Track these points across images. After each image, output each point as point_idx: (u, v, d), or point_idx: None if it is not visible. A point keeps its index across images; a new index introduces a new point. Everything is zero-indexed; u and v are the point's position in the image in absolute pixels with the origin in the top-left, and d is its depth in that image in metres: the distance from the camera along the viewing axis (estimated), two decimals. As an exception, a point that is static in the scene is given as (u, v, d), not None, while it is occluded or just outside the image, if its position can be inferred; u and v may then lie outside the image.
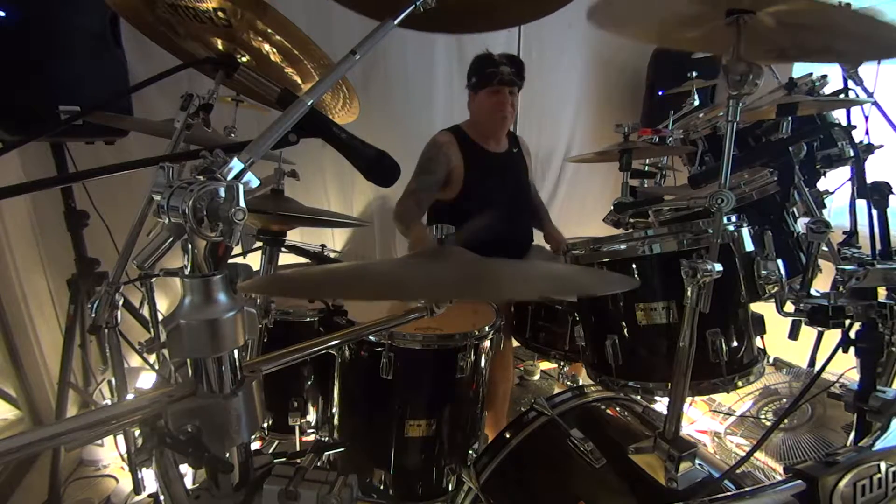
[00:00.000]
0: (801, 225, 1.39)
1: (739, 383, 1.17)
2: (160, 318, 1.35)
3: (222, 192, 0.50)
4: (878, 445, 0.83)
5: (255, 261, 1.41)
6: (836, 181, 1.77)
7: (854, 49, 1.00)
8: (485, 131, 2.06)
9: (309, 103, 0.62)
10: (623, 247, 1.21)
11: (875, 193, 1.15)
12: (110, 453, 1.95)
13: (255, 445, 1.67)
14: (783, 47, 1.03)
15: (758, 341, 1.25)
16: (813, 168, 1.72)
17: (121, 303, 1.10)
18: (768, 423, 1.91)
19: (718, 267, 0.89)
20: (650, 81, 3.19)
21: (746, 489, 0.86)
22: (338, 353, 1.42)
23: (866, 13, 0.87)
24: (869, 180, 1.18)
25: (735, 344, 1.17)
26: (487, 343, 1.41)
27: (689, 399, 1.64)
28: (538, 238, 2.31)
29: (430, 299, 0.91)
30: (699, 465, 0.97)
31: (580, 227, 2.82)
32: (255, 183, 0.55)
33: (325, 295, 1.25)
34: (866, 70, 1.35)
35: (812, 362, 2.15)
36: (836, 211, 2.08)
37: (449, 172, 2.00)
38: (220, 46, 1.06)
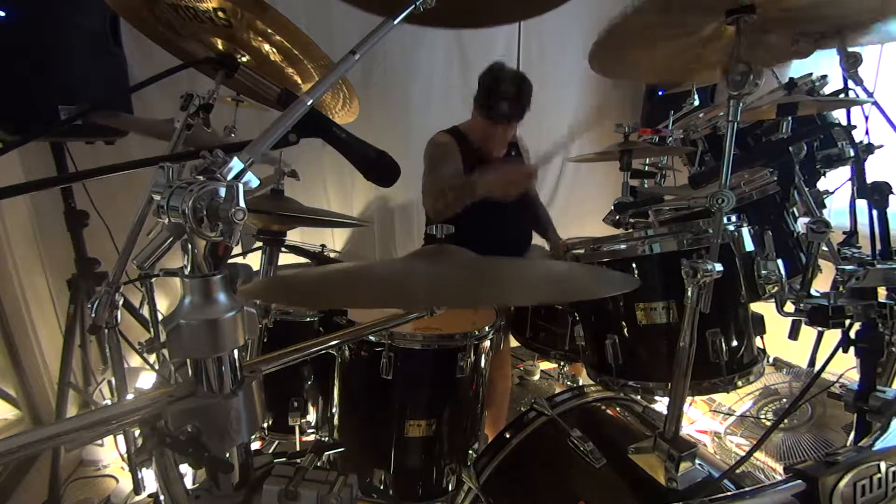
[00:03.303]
0: (801, 225, 1.39)
1: (739, 383, 1.17)
2: (160, 318, 1.35)
3: (222, 192, 0.50)
4: (878, 445, 0.83)
5: (255, 261, 1.41)
6: (836, 181, 1.77)
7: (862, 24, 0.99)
8: (481, 142, 2.05)
9: (309, 103, 0.62)
10: (623, 247, 1.21)
11: (875, 193, 1.15)
12: (110, 453, 1.96)
13: (255, 445, 1.67)
14: (793, 41, 1.03)
15: (758, 341, 1.25)
16: (813, 168, 1.72)
17: (121, 303, 1.10)
18: (768, 423, 1.91)
19: (718, 267, 0.89)
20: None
21: (746, 489, 0.86)
22: (338, 353, 1.42)
23: None
24: (869, 180, 1.18)
25: (735, 344, 1.17)
26: (487, 343, 1.41)
27: (689, 399, 1.64)
28: (538, 241, 2.30)
29: (432, 305, 0.91)
30: (699, 465, 0.97)
31: (580, 227, 2.81)
32: (255, 183, 0.55)
33: (324, 304, 1.24)
34: (866, 70, 1.35)
35: (812, 362, 2.15)
36: (836, 211, 2.08)
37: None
38: (220, 46, 1.06)
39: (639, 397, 1.33)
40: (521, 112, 1.93)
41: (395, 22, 0.72)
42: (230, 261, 0.56)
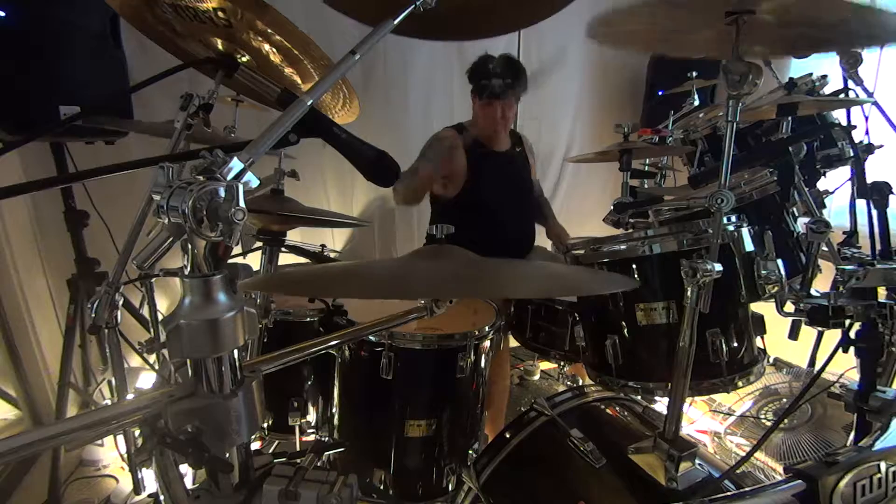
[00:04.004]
0: (801, 225, 1.39)
1: (739, 383, 1.17)
2: (160, 318, 1.35)
3: (222, 192, 0.50)
4: (878, 445, 0.83)
5: (255, 261, 1.41)
6: (836, 181, 1.77)
7: (857, 36, 0.99)
8: (485, 134, 2.07)
9: (309, 103, 0.62)
10: (623, 247, 1.21)
11: (875, 193, 1.15)
12: (110, 453, 1.95)
13: (255, 445, 1.67)
14: (785, 41, 1.02)
15: (758, 341, 1.25)
16: (813, 168, 1.72)
17: (121, 303, 1.10)
18: (768, 423, 1.91)
19: (718, 267, 0.89)
20: (650, 81, 3.18)
21: (746, 489, 0.86)
22: (338, 353, 1.42)
23: (863, 6, 0.87)
24: (869, 180, 1.18)
25: (735, 344, 1.17)
26: (487, 343, 1.41)
27: (689, 399, 1.64)
28: (540, 237, 2.30)
29: (430, 297, 0.91)
30: (699, 465, 0.97)
31: (580, 227, 2.81)
32: (255, 183, 0.55)
33: (325, 293, 1.25)
34: (866, 70, 1.35)
35: (812, 362, 2.15)
36: (836, 211, 2.08)
37: (451, 168, 2.00)
38: (220, 46, 1.06)
39: (639, 397, 1.33)
40: (513, 88, 1.94)
41: (395, 22, 0.72)
42: (230, 261, 0.56)
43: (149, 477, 1.56)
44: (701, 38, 1.08)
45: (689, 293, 0.90)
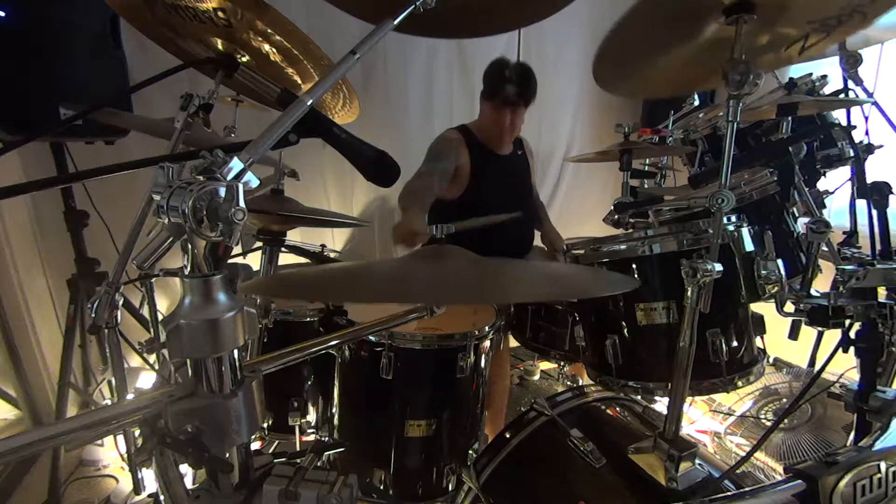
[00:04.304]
0: (801, 225, 1.39)
1: (739, 383, 1.17)
2: (160, 318, 1.35)
3: (222, 192, 0.50)
4: (878, 445, 0.83)
5: (255, 261, 1.41)
6: (836, 181, 1.77)
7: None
8: (490, 137, 2.07)
9: (309, 103, 0.62)
10: (623, 247, 1.21)
11: (875, 193, 1.15)
12: (110, 453, 1.95)
13: (255, 445, 1.67)
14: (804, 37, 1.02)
15: (758, 341, 1.25)
16: (813, 168, 1.72)
17: (121, 303, 1.10)
18: (768, 423, 1.91)
19: (718, 267, 0.89)
20: (650, 81, 3.18)
21: (746, 489, 0.86)
22: (338, 353, 1.42)
23: None
24: (869, 180, 1.19)
25: (735, 344, 1.17)
26: (487, 343, 1.41)
27: (689, 399, 1.64)
28: (538, 240, 2.31)
29: (433, 303, 0.91)
30: (699, 465, 0.97)
31: (580, 227, 2.82)
32: (255, 183, 0.55)
33: (325, 297, 1.24)
34: (866, 70, 1.35)
35: (812, 362, 2.15)
36: (836, 211, 2.08)
37: (456, 169, 2.00)
38: (220, 46, 1.07)
39: (639, 397, 1.33)
40: (525, 97, 1.94)
41: (396, 22, 0.72)
42: (230, 261, 0.56)
43: (149, 477, 1.56)
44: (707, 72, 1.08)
45: (689, 293, 0.90)
